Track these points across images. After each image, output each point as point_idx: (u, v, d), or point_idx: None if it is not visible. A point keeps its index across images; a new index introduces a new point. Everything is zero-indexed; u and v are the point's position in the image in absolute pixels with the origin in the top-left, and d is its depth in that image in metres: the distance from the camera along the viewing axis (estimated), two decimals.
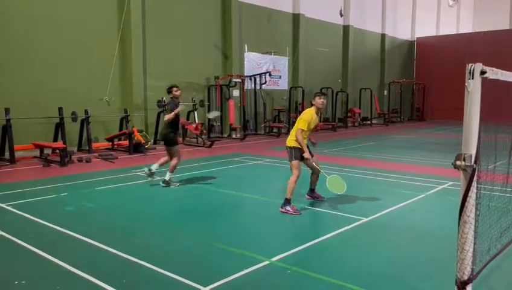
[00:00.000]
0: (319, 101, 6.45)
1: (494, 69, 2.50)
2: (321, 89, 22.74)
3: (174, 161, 8.12)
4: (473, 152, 2.37)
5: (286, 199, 6.26)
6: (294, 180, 6.27)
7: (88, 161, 11.05)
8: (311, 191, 7.08)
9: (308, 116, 6.39)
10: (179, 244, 5.00)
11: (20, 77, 12.04)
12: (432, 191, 7.70)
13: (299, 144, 6.32)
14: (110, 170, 9.96)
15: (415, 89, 30.66)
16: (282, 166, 10.39)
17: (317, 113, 6.52)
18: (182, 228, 5.68)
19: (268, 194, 7.39)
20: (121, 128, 13.90)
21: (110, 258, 4.49)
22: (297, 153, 6.37)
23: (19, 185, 8.18)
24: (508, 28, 32.75)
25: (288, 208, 6.22)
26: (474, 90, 2.35)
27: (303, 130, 6.32)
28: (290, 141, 6.45)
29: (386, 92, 28.66)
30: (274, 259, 4.41)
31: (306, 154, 6.35)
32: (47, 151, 11.60)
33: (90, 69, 13.63)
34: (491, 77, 2.47)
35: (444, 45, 30.59)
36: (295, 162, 6.36)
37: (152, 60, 15.31)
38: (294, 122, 15.86)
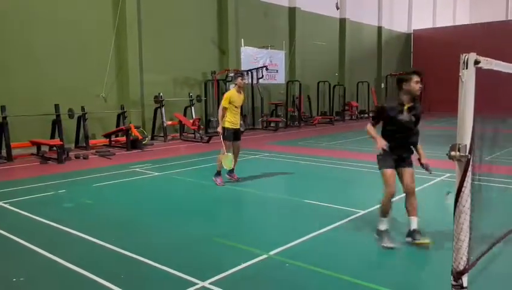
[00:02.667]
0: (240, 81, 7.64)
1: (488, 59, 2.50)
2: (318, 83, 22.79)
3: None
4: (468, 142, 2.38)
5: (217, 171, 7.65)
6: (221, 155, 7.57)
7: (85, 157, 11.03)
8: (230, 171, 7.89)
9: (228, 95, 7.64)
10: (177, 239, 5.01)
11: (16, 74, 11.99)
12: (430, 183, 7.72)
13: (219, 119, 7.59)
14: (107, 166, 9.95)
15: None
16: (280, 160, 10.40)
17: (239, 92, 7.66)
18: (180, 223, 5.69)
19: (266, 189, 7.40)
20: (118, 125, 13.87)
21: (108, 254, 4.50)
22: (228, 133, 7.58)
23: (16, 183, 8.17)
24: (504, 19, 32.72)
25: (217, 179, 7.66)
26: (468, 80, 2.35)
27: (224, 107, 7.55)
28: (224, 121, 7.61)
29: (383, 85, 28.66)
30: (272, 253, 4.42)
31: (218, 128, 7.59)
32: (44, 148, 11.58)
33: (86, 65, 13.58)
34: (485, 67, 2.47)
35: (440, 37, 30.56)
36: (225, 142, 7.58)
37: (148, 55, 15.25)
38: (292, 117, 16.38)
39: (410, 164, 4.72)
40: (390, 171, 4.57)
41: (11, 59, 11.90)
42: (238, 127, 7.78)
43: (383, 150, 4.49)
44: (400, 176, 4.66)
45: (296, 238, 4.86)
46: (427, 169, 4.74)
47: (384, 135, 4.62)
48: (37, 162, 10.59)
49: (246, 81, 8.19)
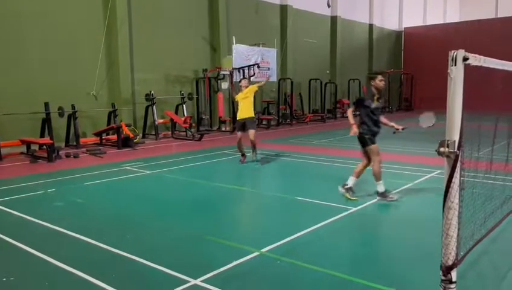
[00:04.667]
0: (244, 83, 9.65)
1: (476, 55, 2.52)
2: (310, 81, 22.82)
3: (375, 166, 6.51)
4: (456, 138, 2.40)
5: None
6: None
7: (76, 156, 10.95)
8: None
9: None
10: (169, 237, 5.00)
11: (5, 73, 11.85)
12: (420, 179, 7.79)
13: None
14: (98, 165, 9.89)
15: (403, 79, 30.82)
16: (272, 158, 10.41)
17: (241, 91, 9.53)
18: (172, 221, 5.68)
19: (257, 186, 7.40)
20: (109, 123, 13.77)
21: (99, 253, 4.47)
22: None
23: (5, 182, 8.08)
24: (494, 17, 33.01)
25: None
26: (456, 76, 2.37)
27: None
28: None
29: None
30: (264, 250, 4.43)
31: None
32: (34, 147, 11.48)
33: (77, 63, 13.46)
34: (473, 64, 2.49)
35: (431, 35, 30.76)
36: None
37: (139, 53, 15.17)
38: (283, 114, 17.38)
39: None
40: (377, 146, 6.30)
41: (0, 57, 11.75)
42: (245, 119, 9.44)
43: (355, 134, 6.20)
44: (368, 152, 6.36)
45: (288, 235, 4.87)
46: (402, 129, 6.37)
47: (364, 119, 6.24)
48: (27, 161, 10.49)
49: (246, 84, 9.59)
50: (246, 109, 9.34)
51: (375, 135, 6.29)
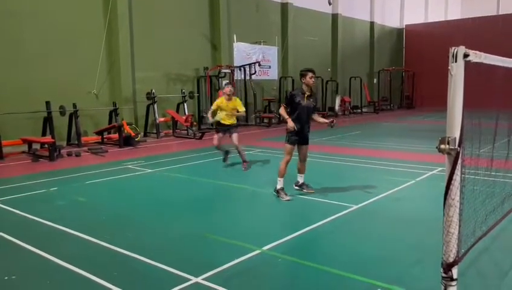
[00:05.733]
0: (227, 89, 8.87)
1: (477, 52, 2.51)
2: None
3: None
4: (457, 135, 2.40)
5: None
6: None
7: (78, 155, 10.97)
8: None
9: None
10: (171, 236, 5.01)
11: (6, 72, 11.86)
12: (422, 177, 7.78)
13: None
14: (100, 163, 9.90)
15: (404, 76, 30.77)
16: (273, 156, 10.41)
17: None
18: (173, 219, 5.68)
19: (258, 184, 7.40)
20: (110, 122, 13.79)
21: (101, 252, 4.49)
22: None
23: (7, 181, 8.10)
24: (495, 14, 32.91)
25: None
26: (457, 73, 2.36)
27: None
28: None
29: (375, 80, 28.74)
30: (265, 248, 4.43)
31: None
32: (35, 146, 11.49)
33: (78, 62, 13.47)
34: (474, 60, 2.48)
35: (432, 32, 30.67)
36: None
37: (140, 51, 15.16)
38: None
39: (307, 142, 6.58)
40: (291, 147, 6.45)
41: (1, 55, 11.76)
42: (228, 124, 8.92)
43: (293, 130, 6.20)
44: (300, 149, 6.55)
45: (289, 233, 4.87)
46: (332, 123, 6.44)
47: (294, 118, 6.29)
48: (29, 160, 10.51)
49: (230, 92, 8.87)
50: (229, 118, 8.84)
51: (297, 133, 6.33)
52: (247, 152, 10.88)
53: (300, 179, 6.78)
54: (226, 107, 8.77)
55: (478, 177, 3.96)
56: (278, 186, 6.43)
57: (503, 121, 4.60)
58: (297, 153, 6.62)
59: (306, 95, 6.33)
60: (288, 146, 6.43)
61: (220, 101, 8.90)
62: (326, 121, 6.50)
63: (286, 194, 6.39)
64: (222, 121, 8.85)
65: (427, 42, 30.49)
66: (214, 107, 8.98)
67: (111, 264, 4.17)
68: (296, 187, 6.79)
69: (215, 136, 9.05)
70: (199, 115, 16.93)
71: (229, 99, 8.80)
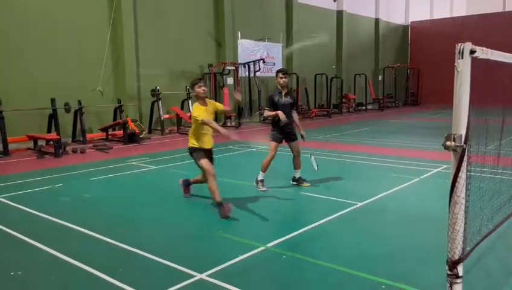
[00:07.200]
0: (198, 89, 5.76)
1: (484, 48, 2.49)
2: (315, 76, 22.75)
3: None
4: (463, 132, 2.38)
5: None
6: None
7: (82, 151, 11.01)
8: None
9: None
10: (175, 232, 5.02)
11: (12, 68, 11.92)
12: (426, 174, 7.75)
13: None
14: (105, 160, 9.93)
15: (409, 73, 30.63)
16: (277, 154, 10.39)
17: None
18: (178, 216, 5.70)
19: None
20: (115, 118, 13.83)
21: (105, 248, 4.50)
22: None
23: (13, 177, 8.15)
24: (501, 10, 32.64)
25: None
26: (463, 70, 2.34)
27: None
28: None
29: (380, 77, 28.62)
30: (269, 245, 4.43)
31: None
32: (41, 142, 11.55)
33: (83, 59, 13.50)
34: (480, 57, 2.46)
35: (437, 29, 30.50)
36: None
37: (145, 48, 15.18)
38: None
39: (295, 138, 6.87)
40: (275, 144, 6.75)
41: (6, 53, 11.82)
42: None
43: (284, 119, 6.53)
44: (290, 146, 6.87)
45: (293, 230, 4.87)
46: (302, 137, 6.86)
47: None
48: (34, 156, 10.56)
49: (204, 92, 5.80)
50: (210, 137, 5.87)
51: (281, 131, 6.71)
52: (252, 149, 10.90)
53: (297, 174, 7.06)
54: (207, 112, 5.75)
55: (484, 175, 3.93)
56: (259, 178, 6.83)
57: (510, 118, 4.57)
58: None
59: (283, 94, 6.77)
60: (273, 143, 6.74)
61: (200, 108, 5.66)
62: (302, 131, 6.89)
63: (263, 186, 6.78)
64: (207, 144, 5.78)
65: (432, 39, 30.33)
66: (197, 123, 5.62)
67: (116, 260, 4.18)
68: (293, 182, 7.08)
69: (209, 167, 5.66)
70: None
71: (205, 103, 5.78)
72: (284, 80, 6.77)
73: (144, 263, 4.07)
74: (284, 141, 6.86)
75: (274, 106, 6.74)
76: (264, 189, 6.76)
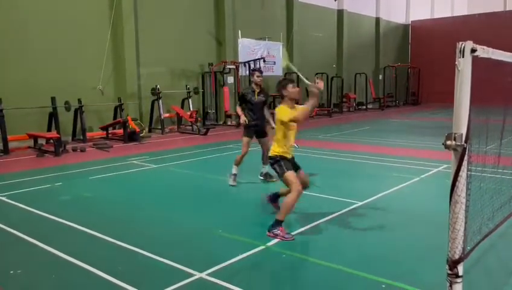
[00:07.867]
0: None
1: (485, 47, 2.48)
2: (316, 74, 22.72)
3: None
4: (464, 131, 2.37)
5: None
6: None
7: (83, 150, 11.01)
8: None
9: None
10: (175, 231, 5.02)
11: (12, 67, 11.91)
12: (427, 174, 7.74)
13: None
14: (105, 159, 9.93)
15: (410, 73, 30.59)
16: None
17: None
18: (177, 215, 5.69)
19: (265, 181, 7.39)
20: (115, 117, 13.83)
21: (105, 246, 4.50)
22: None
23: (13, 176, 8.15)
24: (502, 9, 32.60)
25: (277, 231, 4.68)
26: (464, 68, 2.33)
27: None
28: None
29: (381, 77, 28.59)
30: (270, 244, 4.43)
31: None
32: (41, 141, 11.55)
33: (83, 57, 13.49)
34: (481, 55, 2.45)
35: (438, 28, 30.45)
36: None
37: (145, 47, 15.16)
38: None
39: (266, 135, 7.04)
40: (247, 139, 6.98)
41: (7, 51, 11.81)
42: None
43: (244, 124, 6.94)
44: (260, 142, 7.12)
45: (294, 229, 4.86)
46: (272, 128, 6.46)
47: (248, 112, 7.01)
48: (34, 155, 10.55)
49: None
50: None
51: (253, 127, 7.00)
52: (253, 149, 10.92)
53: (264, 169, 7.26)
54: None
55: (485, 174, 3.92)
56: (232, 172, 7.08)
57: (511, 117, 4.55)
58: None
59: (256, 92, 7.03)
60: (245, 139, 7.01)
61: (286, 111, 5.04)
62: (273, 125, 6.24)
63: (234, 180, 7.05)
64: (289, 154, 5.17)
65: (433, 38, 30.28)
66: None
67: (115, 259, 4.18)
68: (261, 177, 7.30)
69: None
70: (204, 110, 16.92)
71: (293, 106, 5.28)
72: (259, 78, 7.07)
73: (144, 262, 4.07)
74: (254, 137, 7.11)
75: (246, 103, 7.07)
76: (232, 183, 7.03)
